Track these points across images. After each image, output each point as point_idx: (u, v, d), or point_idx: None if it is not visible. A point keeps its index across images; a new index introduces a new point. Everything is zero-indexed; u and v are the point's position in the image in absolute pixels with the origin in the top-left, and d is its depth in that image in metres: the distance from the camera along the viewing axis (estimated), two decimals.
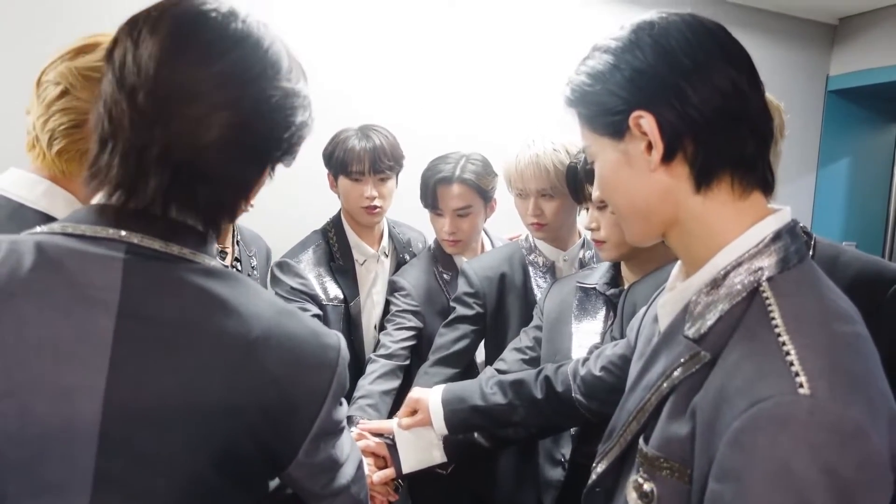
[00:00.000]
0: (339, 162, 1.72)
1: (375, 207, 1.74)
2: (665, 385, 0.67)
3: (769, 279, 0.63)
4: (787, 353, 0.56)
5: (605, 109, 0.69)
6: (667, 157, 0.66)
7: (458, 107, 2.49)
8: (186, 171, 0.65)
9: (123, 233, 0.64)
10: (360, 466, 0.86)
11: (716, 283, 0.66)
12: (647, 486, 0.66)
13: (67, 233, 0.64)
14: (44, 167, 0.93)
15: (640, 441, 0.69)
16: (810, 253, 1.14)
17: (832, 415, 0.53)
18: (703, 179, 0.66)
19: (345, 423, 0.77)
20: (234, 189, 0.70)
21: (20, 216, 0.88)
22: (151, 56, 0.63)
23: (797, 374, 0.55)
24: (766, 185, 0.69)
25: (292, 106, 0.70)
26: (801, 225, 1.18)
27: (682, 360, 0.66)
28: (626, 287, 1.36)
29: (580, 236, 1.71)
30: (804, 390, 0.54)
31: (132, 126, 0.64)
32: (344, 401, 0.76)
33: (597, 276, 1.44)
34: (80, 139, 0.90)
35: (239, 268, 1.64)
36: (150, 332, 0.63)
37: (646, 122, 0.65)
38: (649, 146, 0.66)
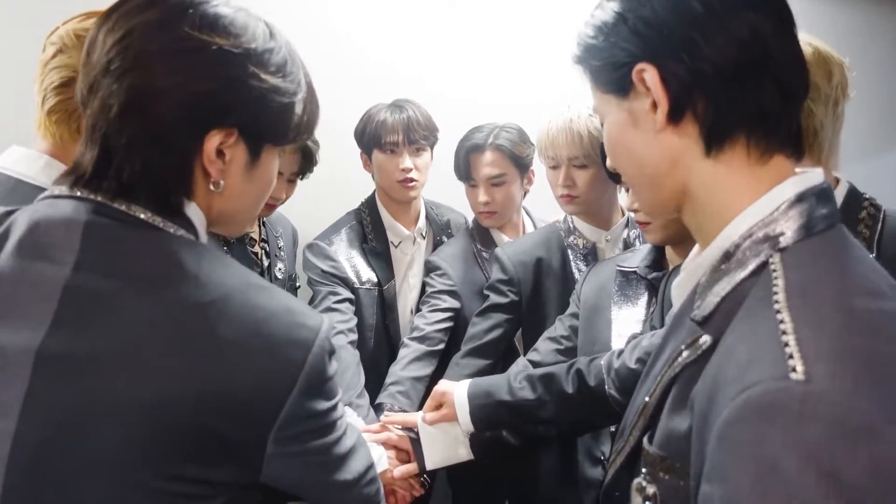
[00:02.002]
0: (371, 136, 1.68)
1: (412, 180, 1.68)
2: (667, 375, 0.61)
3: (782, 250, 0.55)
4: (784, 333, 0.48)
5: (609, 63, 0.63)
6: (674, 116, 0.59)
7: (500, 80, 2.38)
8: (108, 144, 0.64)
9: (79, 192, 0.65)
10: (371, 466, 0.80)
11: (727, 258, 0.59)
12: (650, 489, 0.61)
13: (54, 195, 0.66)
14: (43, 139, 0.96)
15: (644, 439, 0.63)
16: (878, 227, 1.02)
17: (831, 405, 0.44)
18: (713, 141, 0.59)
19: (337, 415, 0.71)
20: (161, 160, 0.65)
21: (20, 192, 0.90)
22: (89, 41, 0.66)
23: (790, 357, 0.46)
24: (793, 147, 0.61)
25: (198, 62, 0.64)
26: (868, 196, 1.05)
27: (684, 345, 0.59)
28: (669, 271, 1.26)
29: (623, 215, 1.60)
30: (797, 375, 0.45)
31: (82, 106, 0.67)
32: (337, 392, 0.70)
33: (638, 258, 1.34)
34: (68, 98, 0.91)
35: (267, 249, 1.62)
36: (98, 290, 0.61)
37: (649, 76, 0.59)
38: (654, 104, 0.60)
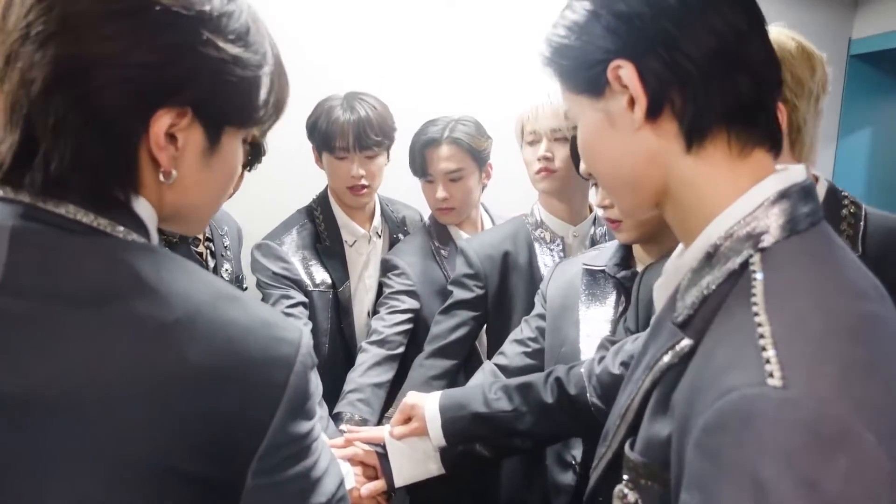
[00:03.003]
0: (322, 137, 1.55)
1: (363, 188, 1.58)
2: (648, 379, 0.61)
3: (763, 250, 0.55)
4: (761, 336, 0.48)
5: (581, 63, 0.62)
6: (652, 113, 0.59)
7: (455, 82, 2.29)
8: (32, 127, 0.54)
9: (4, 192, 0.54)
10: (341, 484, 0.73)
11: (708, 259, 0.58)
12: (631, 497, 0.60)
13: None
14: None
15: (626, 446, 0.63)
16: (861, 224, 1.01)
17: (808, 412, 0.44)
18: (694, 136, 0.59)
19: (315, 435, 0.63)
20: (97, 147, 0.55)
21: None
22: (4, 2, 0.54)
23: (767, 362, 0.46)
24: (772, 141, 0.60)
25: (139, 27, 0.53)
26: (846, 193, 1.04)
27: (665, 349, 0.59)
28: (639, 269, 1.23)
29: (591, 211, 1.57)
30: (774, 381, 0.45)
31: None
32: (318, 409, 0.62)
33: (605, 257, 1.30)
34: None
35: (212, 248, 1.50)
36: (33, 314, 0.51)
37: (625, 72, 0.58)
38: (631, 101, 0.59)
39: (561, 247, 1.53)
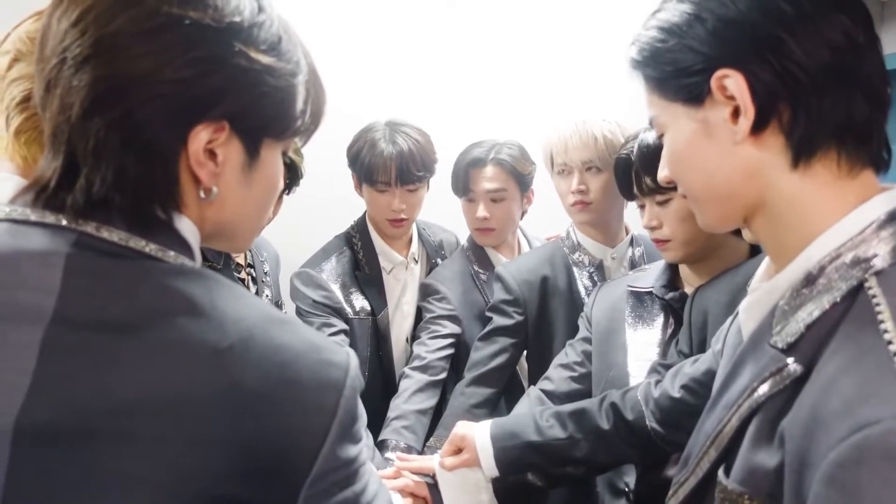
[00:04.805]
0: (364, 169, 1.55)
1: (402, 220, 1.59)
2: (746, 404, 0.57)
3: (878, 273, 0.51)
4: None
5: (680, 69, 0.59)
6: (758, 126, 0.56)
7: (485, 107, 2.29)
8: (74, 152, 0.54)
9: (51, 218, 0.54)
10: None
11: (810, 280, 0.55)
12: None
13: (12, 218, 0.55)
14: (11, 161, 0.83)
15: (720, 473, 0.59)
16: None
17: None
18: (803, 152, 0.56)
19: (363, 459, 0.62)
20: (136, 167, 0.55)
21: None
22: (41, 32, 0.56)
23: None
24: (880, 162, 0.58)
25: (171, 43, 0.53)
26: None
27: (766, 373, 0.56)
28: (687, 291, 1.21)
29: (628, 232, 1.56)
30: None
31: (41, 110, 0.57)
32: (364, 434, 0.62)
33: (651, 278, 1.28)
34: (35, 115, 0.77)
35: (253, 274, 1.51)
36: (86, 342, 0.51)
37: (733, 82, 0.55)
38: (735, 113, 0.57)
39: (600, 269, 1.52)
